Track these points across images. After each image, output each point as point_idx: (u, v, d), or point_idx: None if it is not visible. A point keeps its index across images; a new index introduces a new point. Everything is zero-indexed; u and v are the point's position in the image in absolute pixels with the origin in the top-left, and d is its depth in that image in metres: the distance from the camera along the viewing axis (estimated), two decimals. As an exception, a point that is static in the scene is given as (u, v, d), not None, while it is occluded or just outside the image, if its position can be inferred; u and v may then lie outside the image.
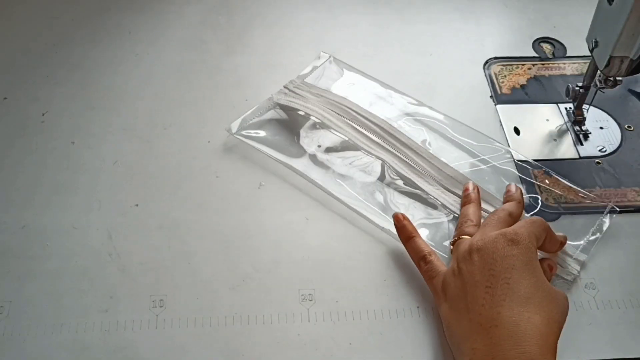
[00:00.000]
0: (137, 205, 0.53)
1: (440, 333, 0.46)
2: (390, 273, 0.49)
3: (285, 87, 0.60)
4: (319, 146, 0.56)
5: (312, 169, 0.55)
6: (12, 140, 0.58)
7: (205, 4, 0.72)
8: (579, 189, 0.53)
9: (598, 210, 0.52)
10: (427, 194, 0.53)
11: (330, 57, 0.64)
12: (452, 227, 0.51)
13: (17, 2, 0.72)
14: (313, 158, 0.56)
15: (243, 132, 0.57)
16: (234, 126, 0.58)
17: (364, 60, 0.64)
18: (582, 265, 0.49)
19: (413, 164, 0.54)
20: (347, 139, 0.56)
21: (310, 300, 0.48)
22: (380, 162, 0.55)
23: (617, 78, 0.51)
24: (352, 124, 0.57)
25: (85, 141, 0.58)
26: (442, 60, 0.65)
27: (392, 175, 0.54)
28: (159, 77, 0.64)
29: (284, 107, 0.59)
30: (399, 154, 0.55)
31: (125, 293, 0.48)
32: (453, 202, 0.52)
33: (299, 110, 0.58)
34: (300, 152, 0.56)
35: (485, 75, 0.64)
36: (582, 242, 0.50)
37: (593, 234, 0.51)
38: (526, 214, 0.51)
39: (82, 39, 0.68)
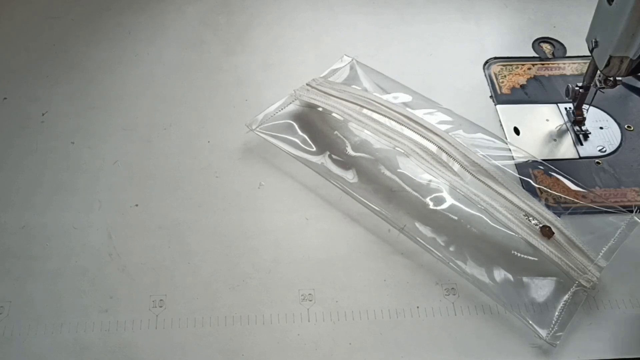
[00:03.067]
0: (137, 205, 0.53)
1: (440, 333, 0.46)
2: (390, 273, 0.49)
3: (307, 84, 0.60)
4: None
5: (330, 166, 0.55)
6: (12, 140, 0.58)
7: (205, 4, 0.72)
8: (584, 189, 0.53)
9: (606, 210, 0.52)
10: (454, 186, 0.51)
11: (352, 60, 0.64)
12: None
13: (17, 2, 0.72)
14: (332, 157, 0.56)
15: (263, 129, 0.58)
16: (255, 122, 0.58)
17: (363, 60, 0.64)
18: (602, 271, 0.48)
19: (441, 148, 0.53)
20: (369, 133, 0.56)
21: (310, 300, 0.48)
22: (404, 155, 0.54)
23: (617, 78, 0.51)
24: (375, 116, 0.56)
25: (85, 141, 0.58)
26: (442, 60, 0.65)
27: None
28: (159, 77, 0.64)
29: (305, 104, 0.59)
30: (426, 139, 0.54)
31: (125, 293, 0.48)
32: (477, 192, 0.51)
33: (319, 107, 0.58)
34: (320, 150, 0.56)
35: (485, 75, 0.64)
36: (604, 248, 0.49)
37: (614, 240, 0.50)
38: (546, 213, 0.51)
39: (82, 39, 0.68)
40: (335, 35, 0.68)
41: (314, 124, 0.59)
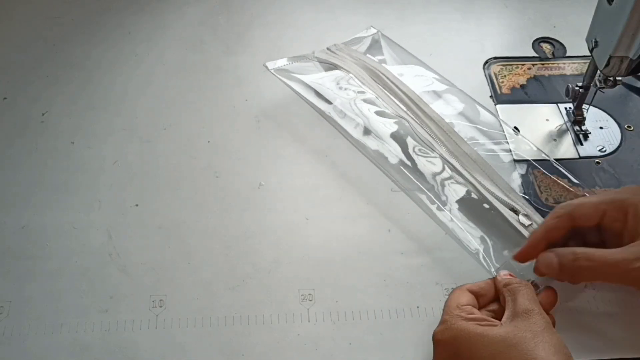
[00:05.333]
0: (137, 205, 0.53)
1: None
2: (390, 273, 0.49)
3: (328, 48, 0.63)
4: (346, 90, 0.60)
5: (337, 116, 0.58)
6: (12, 140, 0.58)
7: (205, 4, 0.72)
8: (577, 189, 0.53)
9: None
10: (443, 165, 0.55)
11: (377, 32, 0.65)
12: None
13: (17, 2, 0.72)
14: (342, 105, 0.59)
15: (279, 70, 0.61)
16: (272, 65, 0.60)
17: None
18: None
19: (433, 136, 0.55)
20: (376, 97, 0.59)
21: (310, 300, 0.48)
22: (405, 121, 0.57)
23: (617, 78, 0.51)
24: (383, 90, 0.59)
25: (85, 141, 0.58)
26: (442, 60, 0.65)
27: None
28: (159, 77, 0.64)
29: (322, 63, 0.62)
30: (421, 125, 0.56)
31: (125, 293, 0.48)
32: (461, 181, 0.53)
33: (337, 65, 0.61)
34: (330, 99, 0.59)
35: (485, 75, 0.64)
36: None
37: None
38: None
39: (82, 39, 0.68)
40: (335, 36, 0.68)
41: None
